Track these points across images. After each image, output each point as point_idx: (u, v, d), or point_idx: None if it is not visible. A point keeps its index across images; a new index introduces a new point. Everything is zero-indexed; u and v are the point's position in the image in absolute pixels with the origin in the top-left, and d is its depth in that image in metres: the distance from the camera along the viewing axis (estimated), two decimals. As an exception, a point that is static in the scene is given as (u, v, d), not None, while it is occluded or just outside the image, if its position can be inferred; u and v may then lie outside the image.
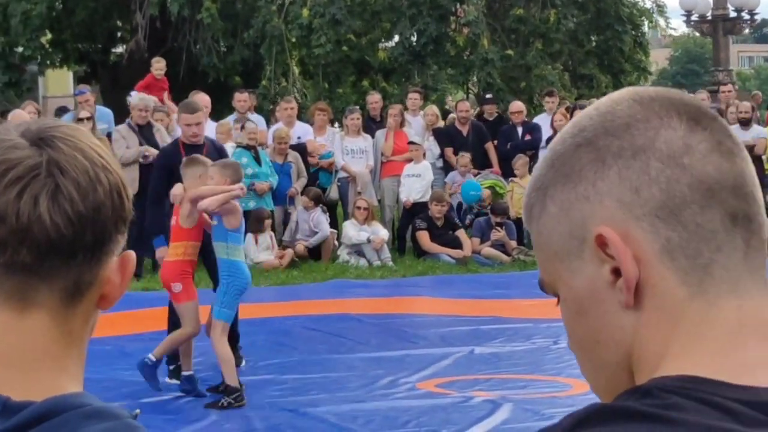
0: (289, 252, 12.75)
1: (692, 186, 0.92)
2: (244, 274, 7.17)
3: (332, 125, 14.37)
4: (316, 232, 12.90)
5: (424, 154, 13.37)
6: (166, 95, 13.95)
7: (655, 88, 1.02)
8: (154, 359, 6.61)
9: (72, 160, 1.19)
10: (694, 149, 0.94)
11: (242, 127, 12.80)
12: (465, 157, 13.08)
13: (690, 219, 0.93)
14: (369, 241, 12.43)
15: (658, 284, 0.94)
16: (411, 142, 13.54)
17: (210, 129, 12.33)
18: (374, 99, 14.72)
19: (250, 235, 12.24)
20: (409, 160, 13.42)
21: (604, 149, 0.94)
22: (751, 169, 0.96)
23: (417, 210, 12.95)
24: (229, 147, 12.07)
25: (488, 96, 16.14)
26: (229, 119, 13.70)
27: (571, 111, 13.08)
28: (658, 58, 47.24)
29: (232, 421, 7.00)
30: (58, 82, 24.79)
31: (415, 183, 13.27)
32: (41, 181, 1.16)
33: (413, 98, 14.44)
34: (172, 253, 7.18)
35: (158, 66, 14.79)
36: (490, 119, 14.42)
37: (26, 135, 1.19)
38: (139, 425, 1.27)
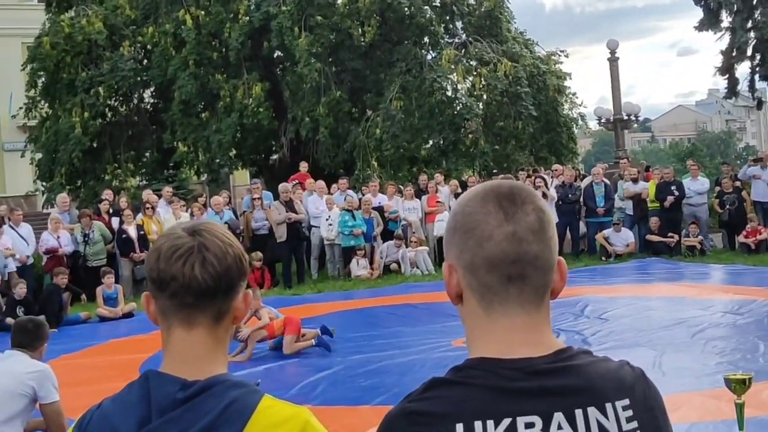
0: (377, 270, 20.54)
1: (484, 259, 1.78)
2: None
3: (399, 194, 22.36)
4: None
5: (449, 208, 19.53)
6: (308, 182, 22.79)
7: (499, 187, 1.84)
8: None
9: (211, 242, 2.03)
10: (494, 237, 1.78)
11: (345, 199, 21.37)
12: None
13: (480, 276, 1.80)
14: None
15: (468, 300, 1.85)
16: (438, 202, 21.34)
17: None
18: (422, 178, 23.35)
19: (354, 259, 20.31)
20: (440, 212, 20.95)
21: (460, 222, 1.85)
22: (537, 247, 1.80)
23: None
24: (335, 211, 20.89)
25: (494, 171, 24.96)
26: (334, 196, 21.83)
27: (534, 179, 21.48)
28: (585, 144, 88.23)
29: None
30: (241, 177, 34.71)
31: (441, 225, 19.63)
32: (195, 255, 1.99)
33: (438, 178, 22.97)
34: None
35: (303, 166, 24.29)
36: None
37: (186, 229, 2.04)
38: (260, 389, 2.03)
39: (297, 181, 22.93)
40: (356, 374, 10.98)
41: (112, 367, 12.28)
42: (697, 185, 22.60)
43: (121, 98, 29.78)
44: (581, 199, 22.50)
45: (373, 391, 9.86)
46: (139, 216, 20.64)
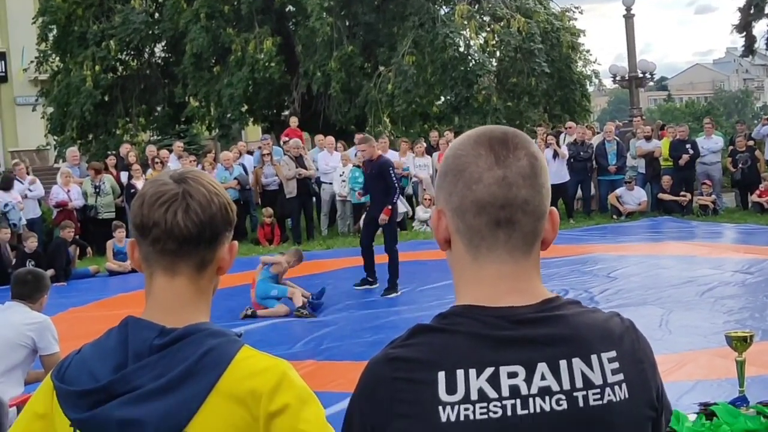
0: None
1: (473, 202, 1.77)
2: None
3: (411, 150, 22.30)
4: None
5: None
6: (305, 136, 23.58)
7: (492, 132, 1.83)
8: None
9: (196, 190, 2.04)
10: (483, 180, 1.76)
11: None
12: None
13: (468, 219, 1.79)
14: (431, 217, 21.69)
15: (456, 246, 1.84)
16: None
17: (335, 158, 21.64)
18: (433, 134, 23.41)
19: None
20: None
21: (450, 165, 1.82)
22: (527, 192, 1.77)
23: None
24: (348, 168, 20.89)
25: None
26: (349, 152, 21.49)
27: (546, 137, 21.58)
28: (601, 103, 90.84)
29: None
30: (253, 133, 35.58)
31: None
32: (178, 202, 2.02)
33: (448, 136, 22.03)
34: None
35: (293, 122, 24.38)
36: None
37: (172, 177, 2.07)
38: (240, 340, 2.06)
39: (288, 137, 22.70)
40: (362, 329, 11.03)
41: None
42: (710, 144, 22.39)
43: (132, 52, 29.78)
44: (593, 157, 22.30)
45: (378, 347, 9.35)
46: (149, 171, 20.58)
